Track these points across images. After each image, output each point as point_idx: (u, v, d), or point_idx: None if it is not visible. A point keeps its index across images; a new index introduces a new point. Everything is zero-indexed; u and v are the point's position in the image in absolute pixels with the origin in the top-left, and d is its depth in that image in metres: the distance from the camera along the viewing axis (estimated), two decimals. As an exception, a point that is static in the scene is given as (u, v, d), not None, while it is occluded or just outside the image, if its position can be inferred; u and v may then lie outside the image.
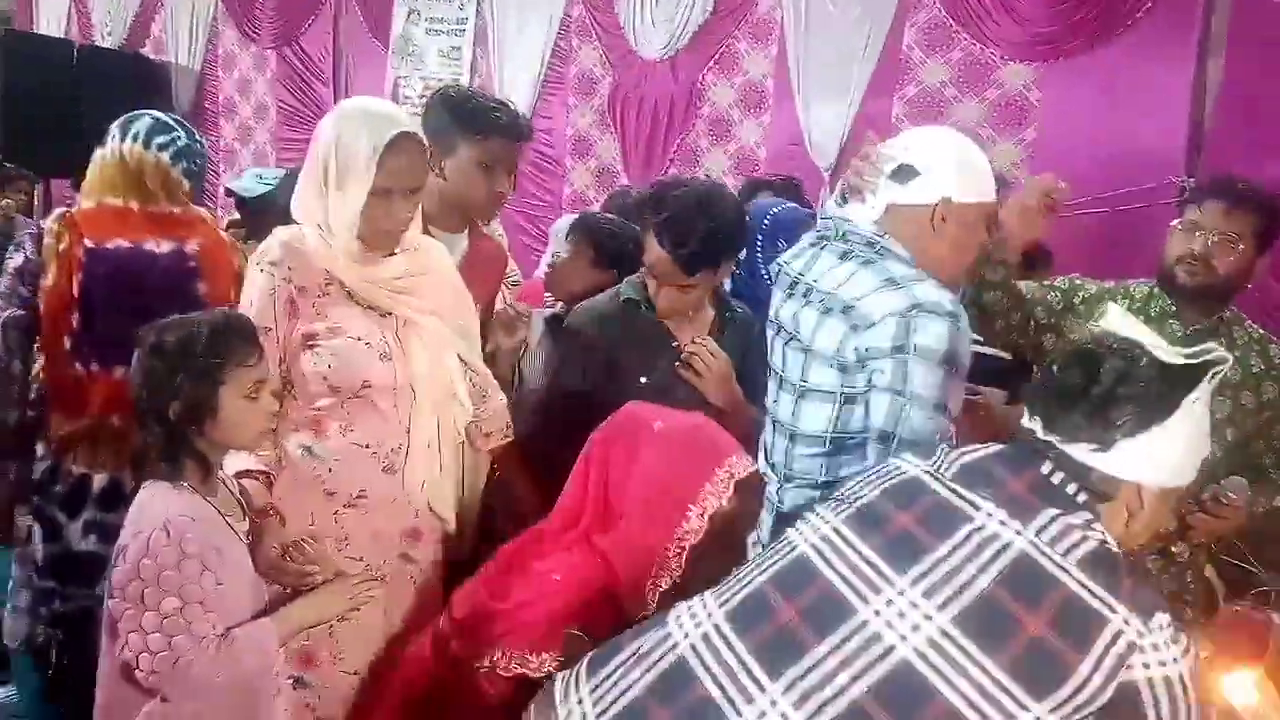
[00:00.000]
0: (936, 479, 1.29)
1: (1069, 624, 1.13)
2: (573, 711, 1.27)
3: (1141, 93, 3.92)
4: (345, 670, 1.85)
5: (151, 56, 7.28)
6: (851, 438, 1.67)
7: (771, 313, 1.88)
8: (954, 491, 1.26)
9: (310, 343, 1.79)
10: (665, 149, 5.13)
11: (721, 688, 1.20)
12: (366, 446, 1.83)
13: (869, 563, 1.23)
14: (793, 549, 1.31)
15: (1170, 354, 1.24)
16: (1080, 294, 2.16)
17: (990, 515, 1.22)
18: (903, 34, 4.44)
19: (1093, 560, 1.17)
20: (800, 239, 1.91)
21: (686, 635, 1.27)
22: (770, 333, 1.89)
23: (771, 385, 1.86)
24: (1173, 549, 2.09)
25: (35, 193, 5.60)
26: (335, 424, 1.82)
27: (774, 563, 1.31)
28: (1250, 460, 2.11)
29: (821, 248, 1.78)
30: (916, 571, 1.20)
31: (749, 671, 1.20)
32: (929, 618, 1.16)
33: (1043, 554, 1.17)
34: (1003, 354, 2.34)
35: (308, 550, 1.74)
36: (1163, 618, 1.15)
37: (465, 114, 2.12)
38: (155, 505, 1.53)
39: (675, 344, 2.14)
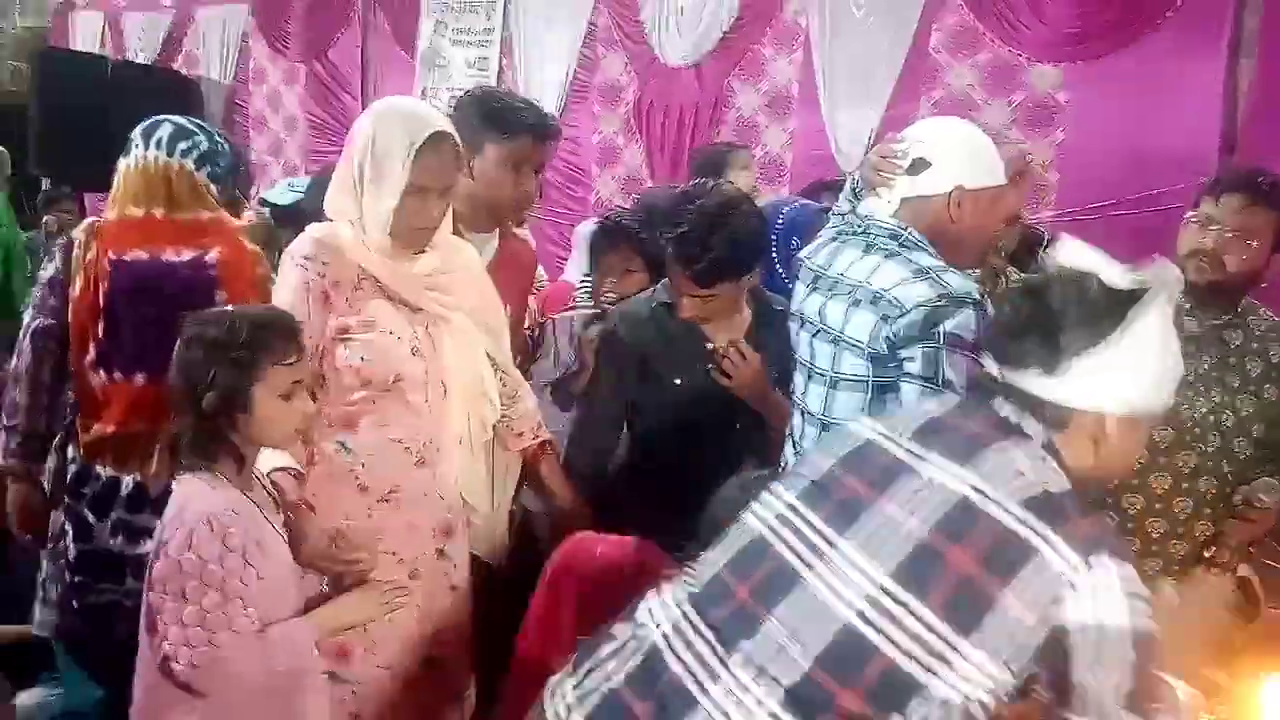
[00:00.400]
0: (890, 439, 1.29)
1: (997, 558, 1.11)
2: (558, 709, 1.28)
3: (1171, 93, 3.86)
4: (379, 665, 1.86)
5: (184, 72, 7.38)
6: None
7: (794, 307, 1.90)
8: (906, 450, 1.26)
9: (343, 336, 1.81)
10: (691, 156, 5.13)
11: (691, 671, 1.22)
12: (399, 441, 1.85)
13: (817, 530, 1.24)
14: (750, 530, 1.32)
15: (1120, 278, 1.23)
16: None
17: (937, 467, 1.21)
18: (929, 37, 4.42)
19: (1036, 498, 1.15)
20: (814, 236, 1.93)
21: (658, 625, 1.29)
22: (794, 326, 1.90)
23: (799, 377, 1.87)
24: (1206, 554, 2.07)
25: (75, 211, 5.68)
26: (368, 419, 1.83)
27: (733, 545, 1.32)
28: (1277, 454, 2.06)
29: (843, 242, 1.81)
30: (858, 531, 1.20)
31: (713, 650, 1.22)
32: (868, 576, 1.16)
33: (981, 494, 1.16)
34: None
35: (352, 539, 1.75)
36: (1111, 563, 1.11)
37: (492, 113, 2.13)
38: (197, 500, 1.53)
39: (710, 346, 2.14)
